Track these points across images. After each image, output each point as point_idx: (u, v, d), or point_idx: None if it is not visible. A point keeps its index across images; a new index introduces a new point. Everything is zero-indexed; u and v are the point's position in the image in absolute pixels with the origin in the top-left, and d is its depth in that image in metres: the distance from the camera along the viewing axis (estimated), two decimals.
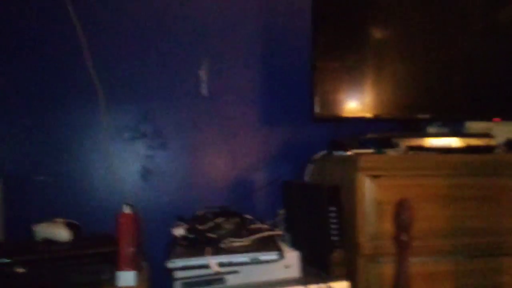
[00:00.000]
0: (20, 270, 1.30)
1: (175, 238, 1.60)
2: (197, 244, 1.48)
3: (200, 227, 1.53)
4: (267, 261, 1.45)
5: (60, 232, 1.45)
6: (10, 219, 1.63)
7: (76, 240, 1.48)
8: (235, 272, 1.45)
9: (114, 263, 1.44)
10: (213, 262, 1.39)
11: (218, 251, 1.44)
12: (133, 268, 1.48)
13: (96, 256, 1.42)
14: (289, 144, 2.08)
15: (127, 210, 1.57)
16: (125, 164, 1.87)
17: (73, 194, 1.78)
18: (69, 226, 1.49)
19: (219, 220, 1.57)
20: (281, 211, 1.89)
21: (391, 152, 1.60)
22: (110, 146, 1.83)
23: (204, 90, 2.00)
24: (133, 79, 1.90)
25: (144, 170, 1.90)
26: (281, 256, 1.45)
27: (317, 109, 1.76)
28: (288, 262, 1.52)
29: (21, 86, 1.77)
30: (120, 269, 1.46)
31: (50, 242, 1.44)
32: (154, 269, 1.63)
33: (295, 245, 1.63)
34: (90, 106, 1.83)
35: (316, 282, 1.44)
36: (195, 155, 1.96)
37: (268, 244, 1.51)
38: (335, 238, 1.50)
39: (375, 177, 1.51)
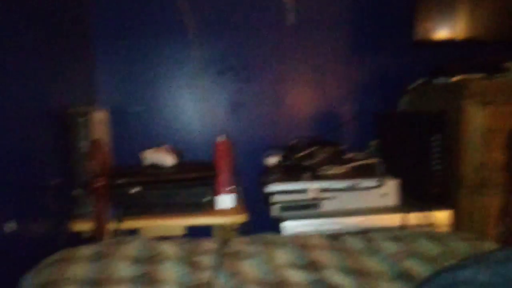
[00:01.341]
0: (133, 190, 1.41)
1: (268, 166, 1.64)
2: (293, 171, 1.51)
3: (295, 155, 1.55)
4: (366, 188, 1.44)
5: (166, 158, 1.54)
6: (117, 146, 1.75)
7: (179, 165, 1.57)
8: (331, 198, 1.47)
9: (213, 187, 1.52)
10: (312, 187, 1.42)
11: (315, 178, 1.46)
12: (231, 192, 1.56)
13: (198, 180, 1.50)
14: (380, 74, 1.98)
15: (222, 139, 1.63)
16: (216, 97, 1.90)
17: (169, 124, 1.87)
18: (172, 152, 1.58)
19: (314, 148, 1.57)
20: (373, 142, 1.85)
21: (502, 77, 1.47)
22: (200, 79, 1.87)
23: (290, 19, 1.94)
24: (221, 12, 1.88)
25: (233, 102, 1.92)
26: (381, 183, 1.44)
27: (418, 34, 1.64)
28: (386, 191, 1.51)
29: (119, 25, 1.82)
30: (219, 192, 1.54)
31: (157, 167, 1.54)
32: (246, 195, 1.69)
33: (390, 175, 1.60)
34: (181, 41, 1.85)
35: (418, 210, 1.42)
36: (282, 87, 1.95)
37: (365, 172, 1.49)
38: (437, 168, 1.44)
39: (484, 104, 1.40)
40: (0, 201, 1.00)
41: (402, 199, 1.53)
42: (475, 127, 1.41)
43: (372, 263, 1.06)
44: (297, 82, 1.96)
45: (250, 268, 1.00)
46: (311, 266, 1.01)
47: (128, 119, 1.83)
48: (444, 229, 1.41)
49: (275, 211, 1.49)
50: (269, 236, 1.20)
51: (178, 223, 1.47)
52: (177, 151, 1.60)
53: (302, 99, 1.97)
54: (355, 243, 1.15)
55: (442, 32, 1.67)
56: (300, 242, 1.13)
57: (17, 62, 1.11)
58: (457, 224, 1.44)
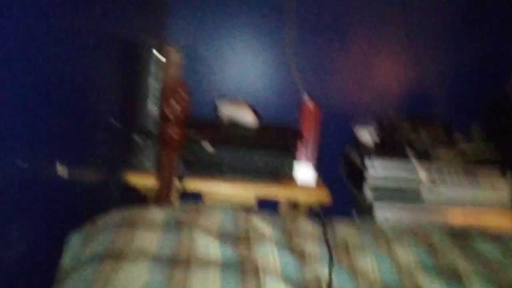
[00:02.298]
0: (209, 148, 1.20)
1: (361, 139, 1.39)
2: (395, 148, 1.25)
3: (398, 130, 1.29)
4: (485, 179, 1.18)
5: (247, 116, 1.30)
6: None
7: (261, 126, 1.33)
8: (437, 185, 1.22)
9: (295, 157, 1.29)
10: (420, 169, 1.16)
11: (423, 159, 1.20)
12: (314, 165, 1.33)
13: (282, 147, 1.26)
14: (486, 55, 1.68)
15: (309, 103, 1.39)
16: (302, 56, 1.62)
17: (246, 78, 1.62)
18: (251, 110, 1.34)
19: (417, 126, 1.30)
20: (476, 128, 1.56)
21: None
22: (287, 35, 1.59)
23: None
24: None
25: (320, 64, 1.65)
26: (504, 176, 1.17)
27: None
28: (497, 185, 1.24)
29: None
30: (302, 163, 1.31)
31: (236, 124, 1.31)
32: (326, 169, 1.46)
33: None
34: None
35: None
36: (377, 56, 1.65)
37: (482, 160, 1.23)
38: None
39: None
40: (53, 138, 0.80)
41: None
42: None
43: None
44: (393, 53, 1.67)
45: (370, 266, 0.77)
46: (450, 274, 0.78)
47: (200, 64, 1.58)
48: None
49: (366, 192, 1.25)
50: (374, 223, 0.97)
51: (250, 192, 1.25)
52: (255, 110, 1.36)
53: (397, 72, 1.68)
54: (488, 248, 0.90)
55: None
56: (422, 238, 0.89)
57: None
58: None
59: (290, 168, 1.28)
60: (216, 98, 1.43)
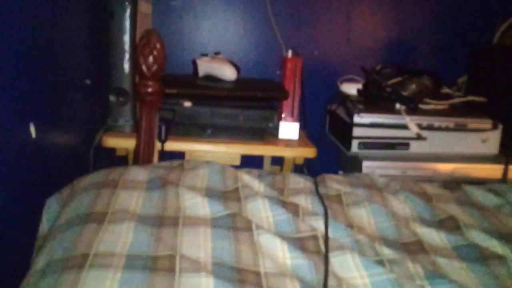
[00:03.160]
0: (187, 104, 1.13)
1: (345, 93, 1.35)
2: (383, 101, 1.22)
3: (385, 83, 1.24)
4: (476, 130, 1.16)
5: (225, 70, 1.23)
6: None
7: (241, 81, 1.26)
8: (427, 138, 1.19)
9: (278, 112, 1.24)
10: (410, 122, 1.13)
11: (412, 112, 1.17)
12: (296, 120, 1.28)
13: (265, 101, 1.21)
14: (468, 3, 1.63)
15: (291, 58, 1.32)
16: (281, 8, 1.54)
17: (221, 32, 1.53)
18: (230, 65, 1.27)
19: (405, 77, 1.26)
20: (462, 79, 1.54)
21: None
22: None
23: None
24: None
25: (298, 14, 1.57)
26: (496, 126, 1.15)
27: None
28: (487, 136, 1.23)
29: None
30: (285, 119, 1.26)
31: (214, 79, 1.24)
32: (311, 125, 1.42)
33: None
34: None
35: None
36: (357, 5, 1.58)
37: (472, 111, 1.21)
38: None
39: None
40: (24, 99, 0.73)
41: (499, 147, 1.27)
42: None
43: None
44: (375, 3, 1.60)
45: (366, 218, 0.74)
46: (448, 224, 0.76)
47: (172, 18, 1.48)
48: None
49: (354, 148, 1.21)
50: (366, 177, 0.94)
51: (233, 150, 1.20)
52: (234, 65, 1.29)
53: (380, 23, 1.61)
54: (483, 197, 0.89)
55: None
56: (416, 190, 0.87)
57: None
58: None
59: (274, 124, 1.23)
60: (195, 56, 1.35)
